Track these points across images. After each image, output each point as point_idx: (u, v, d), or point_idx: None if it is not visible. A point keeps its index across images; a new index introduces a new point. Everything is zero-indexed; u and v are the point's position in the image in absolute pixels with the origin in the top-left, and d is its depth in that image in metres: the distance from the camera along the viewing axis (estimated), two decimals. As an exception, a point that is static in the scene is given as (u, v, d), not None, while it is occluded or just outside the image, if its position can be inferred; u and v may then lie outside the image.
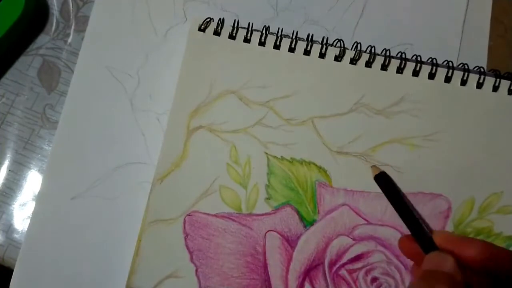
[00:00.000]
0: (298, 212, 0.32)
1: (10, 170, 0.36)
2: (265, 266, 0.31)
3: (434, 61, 0.33)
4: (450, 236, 0.28)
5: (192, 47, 0.34)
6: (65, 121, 0.36)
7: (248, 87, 0.34)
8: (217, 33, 0.34)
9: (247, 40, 0.34)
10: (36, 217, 0.34)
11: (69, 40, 0.38)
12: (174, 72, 0.35)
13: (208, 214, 0.32)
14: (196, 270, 0.31)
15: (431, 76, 0.33)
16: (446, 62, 0.34)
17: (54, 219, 0.34)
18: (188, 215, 0.32)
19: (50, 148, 0.36)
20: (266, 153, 0.33)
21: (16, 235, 0.35)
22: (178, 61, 0.34)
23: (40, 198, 0.35)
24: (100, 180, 0.35)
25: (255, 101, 0.34)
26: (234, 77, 0.34)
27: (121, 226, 0.34)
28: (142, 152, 0.35)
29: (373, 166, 0.32)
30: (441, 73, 0.33)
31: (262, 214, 0.32)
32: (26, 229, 0.34)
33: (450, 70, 0.33)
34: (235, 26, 0.34)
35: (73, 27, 0.38)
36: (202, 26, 0.34)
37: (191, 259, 0.32)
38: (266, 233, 0.32)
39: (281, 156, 0.33)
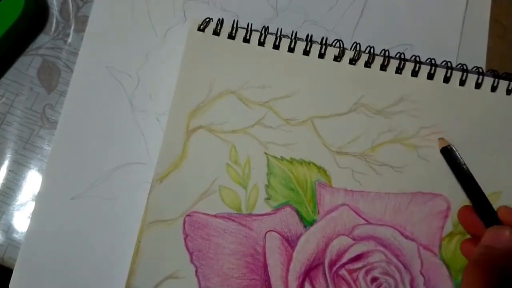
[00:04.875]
0: (298, 212, 0.32)
1: (10, 170, 0.36)
2: (265, 267, 0.32)
3: (433, 62, 0.33)
4: None
5: (191, 47, 0.34)
6: (64, 121, 0.36)
7: (248, 87, 0.34)
8: (216, 33, 0.34)
9: (246, 40, 0.34)
10: (36, 217, 0.34)
11: (69, 40, 0.38)
12: (174, 72, 0.35)
13: (208, 215, 0.32)
14: (196, 271, 0.31)
15: (430, 76, 0.33)
16: (444, 62, 0.34)
17: (53, 219, 0.34)
18: (188, 215, 0.32)
19: (50, 148, 0.36)
20: (266, 153, 0.33)
21: (16, 235, 0.35)
22: (178, 61, 0.34)
23: (40, 198, 0.34)
24: (100, 180, 0.35)
25: (254, 101, 0.34)
26: (234, 77, 0.34)
27: (121, 226, 0.34)
28: (141, 152, 0.35)
29: (441, 139, 0.32)
30: (440, 73, 0.33)
31: (262, 214, 0.32)
32: (26, 229, 0.34)
33: (449, 71, 0.33)
34: (235, 26, 0.34)
35: (73, 27, 0.38)
36: (202, 26, 0.34)
37: (191, 260, 0.32)
38: (266, 233, 0.32)
39: (281, 156, 0.33)
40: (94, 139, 0.35)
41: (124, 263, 0.32)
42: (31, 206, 0.35)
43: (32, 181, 0.36)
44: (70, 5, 0.39)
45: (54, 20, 0.38)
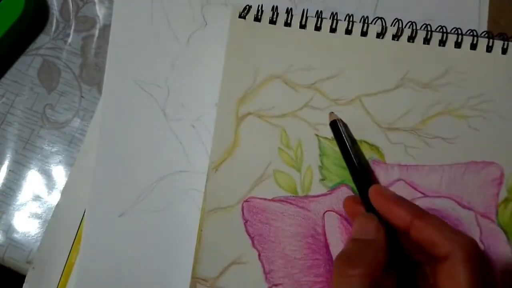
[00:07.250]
0: (354, 191, 0.32)
1: (10, 170, 0.36)
2: (326, 246, 0.32)
3: (474, 33, 0.34)
4: (384, 192, 0.28)
5: (234, 34, 0.34)
6: (103, 141, 0.35)
7: (293, 71, 0.34)
8: (257, 19, 0.34)
9: (287, 24, 0.34)
10: (86, 239, 0.34)
11: (69, 40, 0.38)
12: (202, 77, 0.35)
13: (265, 199, 0.32)
14: (259, 255, 0.32)
15: (473, 46, 0.33)
16: (485, 33, 0.34)
17: (103, 239, 0.34)
18: (246, 201, 0.32)
19: (50, 148, 0.36)
20: (317, 135, 0.33)
21: (16, 235, 0.35)
22: (204, 65, 0.35)
23: (88, 220, 0.34)
24: (145, 193, 0.34)
25: (301, 84, 0.34)
26: (278, 61, 0.34)
27: (172, 236, 0.34)
28: (182, 160, 0.35)
29: (331, 113, 0.32)
30: (482, 43, 0.33)
31: (318, 195, 0.32)
32: (78, 256, 0.33)
33: (491, 40, 0.33)
34: (275, 11, 0.34)
35: (73, 27, 0.38)
36: (243, 14, 0.34)
37: (253, 245, 0.32)
38: (324, 213, 0.32)
39: (332, 137, 0.33)
40: (133, 155, 0.35)
41: (181, 271, 0.32)
42: (31, 206, 0.35)
43: (32, 181, 0.36)
44: (70, 5, 0.39)
45: (54, 20, 0.39)
